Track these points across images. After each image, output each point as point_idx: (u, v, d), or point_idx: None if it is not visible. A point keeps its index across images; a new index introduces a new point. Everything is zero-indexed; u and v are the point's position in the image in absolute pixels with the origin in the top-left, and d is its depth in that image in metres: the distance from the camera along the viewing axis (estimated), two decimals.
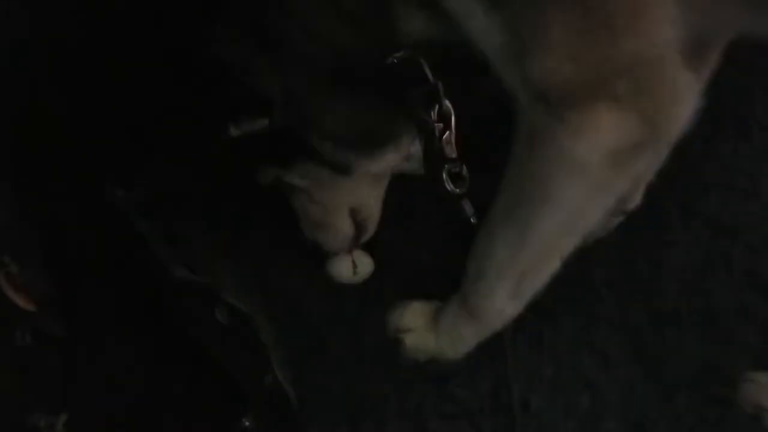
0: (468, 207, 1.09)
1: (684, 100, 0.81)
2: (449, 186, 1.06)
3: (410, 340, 1.23)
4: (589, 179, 0.86)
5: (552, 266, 1.01)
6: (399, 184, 1.31)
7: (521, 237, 0.98)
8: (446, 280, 1.24)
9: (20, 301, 0.95)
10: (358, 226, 1.28)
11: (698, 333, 1.33)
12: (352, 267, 1.32)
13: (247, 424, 1.06)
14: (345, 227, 1.26)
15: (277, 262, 1.38)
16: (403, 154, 1.17)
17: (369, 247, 1.35)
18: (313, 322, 1.34)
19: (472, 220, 1.09)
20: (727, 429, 1.22)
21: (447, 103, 1.00)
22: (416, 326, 1.24)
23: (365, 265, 1.34)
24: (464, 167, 1.05)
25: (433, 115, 1.00)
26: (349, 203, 1.24)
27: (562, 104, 0.80)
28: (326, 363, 1.30)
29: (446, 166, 1.04)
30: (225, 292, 1.07)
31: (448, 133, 1.01)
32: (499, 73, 0.85)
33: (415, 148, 1.17)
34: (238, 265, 1.22)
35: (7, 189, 0.98)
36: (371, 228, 1.30)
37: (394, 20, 0.94)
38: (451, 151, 1.03)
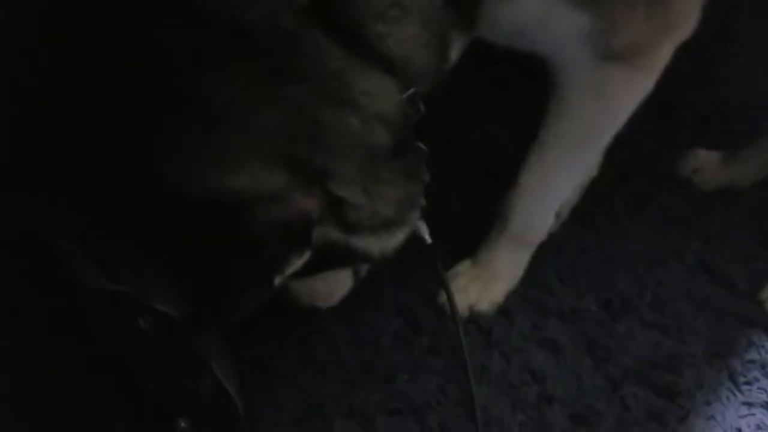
0: (423, 228, 1.18)
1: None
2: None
3: (457, 299, 1.29)
4: (644, 94, 1.12)
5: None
6: None
7: (581, 164, 1.24)
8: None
9: None
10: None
11: (648, 324, 1.34)
12: None
13: (183, 425, 1.05)
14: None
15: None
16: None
17: None
18: (257, 323, 1.32)
19: (427, 239, 1.19)
20: (673, 419, 1.21)
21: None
22: (459, 285, 1.34)
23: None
24: None
25: None
26: None
27: (635, 54, 1.06)
28: (271, 364, 1.29)
29: None
30: (153, 299, 1.05)
31: None
32: (559, 55, 1.08)
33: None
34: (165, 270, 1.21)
35: None
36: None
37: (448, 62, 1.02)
38: None
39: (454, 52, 1.02)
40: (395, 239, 1.03)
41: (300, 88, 0.85)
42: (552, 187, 1.26)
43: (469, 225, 1.43)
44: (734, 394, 1.25)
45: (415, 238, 1.14)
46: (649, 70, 1.10)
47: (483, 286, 1.36)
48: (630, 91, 1.12)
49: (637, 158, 1.52)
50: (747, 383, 1.27)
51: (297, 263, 0.94)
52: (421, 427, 1.22)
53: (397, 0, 0.88)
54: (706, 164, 1.53)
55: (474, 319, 1.34)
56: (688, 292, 1.38)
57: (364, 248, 1.00)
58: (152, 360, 1.05)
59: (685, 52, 1.10)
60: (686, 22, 1.08)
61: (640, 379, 1.26)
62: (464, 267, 1.40)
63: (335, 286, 1.25)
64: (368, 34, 0.88)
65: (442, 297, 1.31)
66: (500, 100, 1.73)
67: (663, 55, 1.09)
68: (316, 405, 1.25)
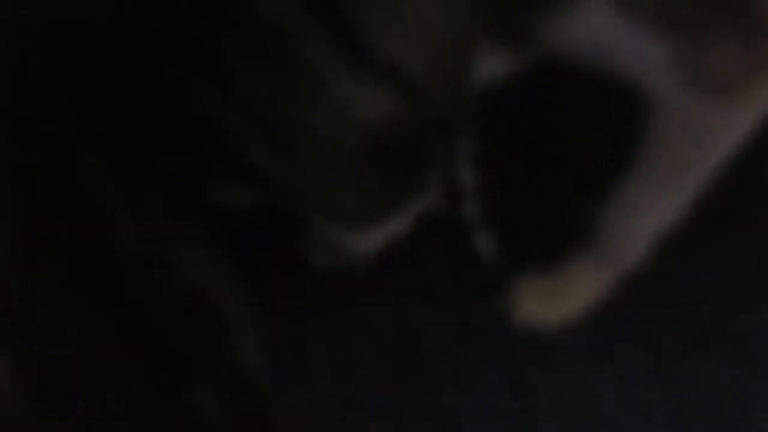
0: (483, 242, 1.15)
1: None
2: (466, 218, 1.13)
3: (520, 308, 1.28)
4: (744, 131, 1.02)
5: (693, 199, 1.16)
6: None
7: (677, 192, 1.13)
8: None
9: None
10: None
11: (729, 360, 1.24)
12: None
13: (201, 398, 1.00)
14: None
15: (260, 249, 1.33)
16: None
17: None
18: (297, 309, 1.28)
19: (485, 257, 1.15)
20: None
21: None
22: (526, 294, 1.29)
23: None
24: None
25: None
26: None
27: (728, 87, 0.96)
28: (306, 354, 1.24)
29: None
30: (184, 266, 1.02)
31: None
32: (645, 80, 0.99)
33: None
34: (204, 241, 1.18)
35: None
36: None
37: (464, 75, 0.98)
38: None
39: (502, 65, 1.00)
40: (369, 239, 1.12)
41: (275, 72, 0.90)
42: (643, 214, 1.18)
43: (551, 234, 1.35)
44: None
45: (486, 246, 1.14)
46: (747, 105, 1.01)
47: (553, 300, 1.29)
48: (725, 128, 1.04)
49: (742, 184, 1.41)
50: None
51: None
52: None
53: (399, 3, 0.88)
54: None
55: (535, 332, 1.26)
56: None
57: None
58: (176, 326, 1.01)
59: None
60: None
61: (711, 415, 1.19)
62: (536, 276, 1.31)
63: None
64: (362, 34, 0.88)
65: (503, 303, 1.26)
66: (603, 112, 1.66)
67: (763, 90, 1.00)
68: (351, 404, 1.19)
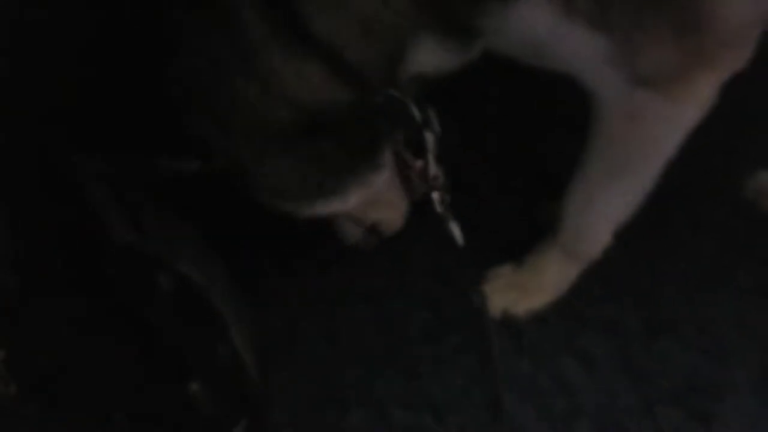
0: (455, 229, 1.15)
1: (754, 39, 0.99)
2: (439, 208, 1.14)
3: (492, 300, 1.30)
4: (687, 125, 1.03)
5: (646, 192, 1.15)
6: None
7: (628, 186, 1.14)
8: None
9: None
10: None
11: (691, 346, 1.27)
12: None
13: (194, 388, 1.05)
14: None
15: (250, 241, 1.37)
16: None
17: None
18: (286, 303, 1.34)
19: (458, 240, 1.15)
20: None
21: (428, 135, 1.08)
22: (497, 286, 1.32)
23: None
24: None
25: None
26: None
27: (667, 82, 0.97)
28: (295, 345, 1.29)
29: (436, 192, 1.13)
30: (176, 260, 1.06)
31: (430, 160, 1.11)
32: (588, 77, 1.00)
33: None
34: (196, 236, 1.21)
35: None
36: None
37: (402, 61, 0.97)
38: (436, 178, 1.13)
39: (455, 58, 1.00)
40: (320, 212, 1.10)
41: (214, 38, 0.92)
42: (599, 207, 1.20)
43: (520, 229, 1.40)
44: None
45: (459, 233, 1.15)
46: (688, 101, 1.01)
47: (523, 292, 1.32)
48: (667, 120, 1.04)
49: (701, 174, 1.45)
50: None
51: None
52: (439, 425, 1.20)
53: None
54: None
55: (507, 322, 1.30)
56: (737, 317, 1.30)
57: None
58: (170, 318, 1.06)
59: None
60: (731, 54, 0.98)
61: (676, 401, 1.21)
62: (507, 270, 1.36)
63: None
64: (301, 16, 0.89)
65: (476, 295, 1.26)
66: (568, 108, 1.68)
67: (704, 86, 1.00)
68: (335, 390, 1.24)
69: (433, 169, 1.12)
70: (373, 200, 1.14)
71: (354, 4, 0.89)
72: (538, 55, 0.99)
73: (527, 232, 1.36)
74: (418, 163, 1.14)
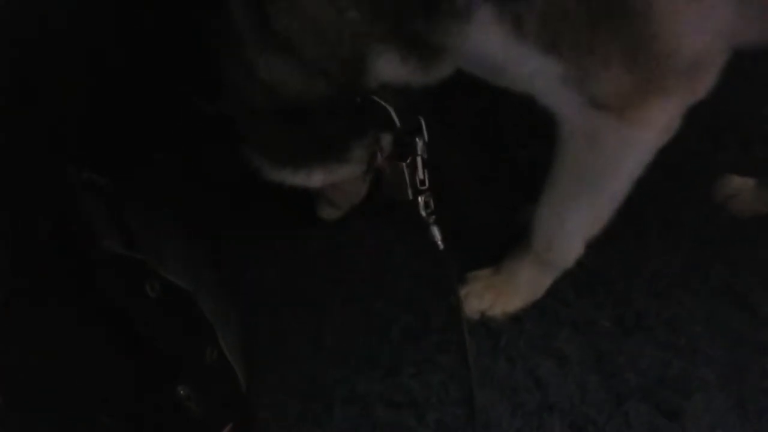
0: (437, 232, 1.20)
1: (716, 68, 1.00)
2: (423, 212, 1.19)
3: (470, 302, 1.35)
4: (648, 148, 1.05)
5: (614, 207, 1.18)
6: None
7: (593, 201, 1.17)
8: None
9: None
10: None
11: (661, 343, 1.32)
12: None
13: (182, 392, 1.08)
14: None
15: (234, 241, 1.42)
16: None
17: None
18: (272, 305, 1.39)
19: (439, 244, 1.20)
20: None
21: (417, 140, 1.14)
22: (475, 289, 1.36)
23: None
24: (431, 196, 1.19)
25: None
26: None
27: (622, 106, 0.98)
28: (280, 345, 1.33)
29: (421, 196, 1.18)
30: (163, 268, 1.09)
31: (417, 165, 1.17)
32: (546, 98, 1.02)
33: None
34: (184, 242, 1.26)
35: None
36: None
37: (364, 68, 1.03)
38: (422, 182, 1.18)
39: (422, 74, 1.04)
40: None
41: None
42: (568, 220, 1.22)
43: (501, 234, 1.43)
44: (742, 422, 1.22)
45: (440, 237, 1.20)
46: (645, 126, 1.02)
47: (499, 295, 1.36)
48: (626, 144, 1.05)
49: (673, 177, 1.49)
50: (757, 412, 1.23)
51: None
52: (419, 422, 1.24)
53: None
54: (741, 191, 1.49)
55: (484, 322, 1.35)
56: (707, 315, 1.34)
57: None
58: (157, 324, 1.09)
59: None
60: (688, 83, 0.99)
61: (646, 397, 1.25)
62: (484, 273, 1.40)
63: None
64: (266, 15, 0.98)
65: (452, 298, 1.31)
66: (549, 117, 1.72)
67: (660, 113, 1.01)
68: (320, 389, 1.28)
69: (421, 173, 1.16)
70: (336, 185, 1.25)
71: (309, 10, 0.96)
72: (499, 76, 1.03)
73: (507, 236, 1.39)
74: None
